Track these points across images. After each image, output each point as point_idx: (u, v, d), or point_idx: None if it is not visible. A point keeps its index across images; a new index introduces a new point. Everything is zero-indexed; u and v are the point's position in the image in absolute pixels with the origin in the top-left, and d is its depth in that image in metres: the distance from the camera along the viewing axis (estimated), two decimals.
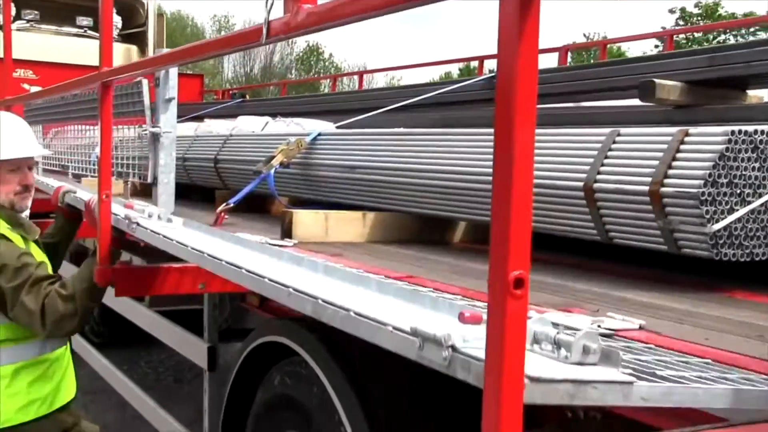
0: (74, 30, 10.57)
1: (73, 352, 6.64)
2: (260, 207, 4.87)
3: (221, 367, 4.32)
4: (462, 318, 1.53)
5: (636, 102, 3.69)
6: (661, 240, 2.62)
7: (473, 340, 1.46)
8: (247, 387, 3.86)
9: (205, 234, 3.36)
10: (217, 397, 4.18)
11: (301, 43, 53.46)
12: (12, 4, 8.43)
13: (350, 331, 1.86)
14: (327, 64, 51.88)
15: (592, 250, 3.29)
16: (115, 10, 4.15)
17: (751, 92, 3.73)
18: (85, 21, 10.52)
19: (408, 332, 1.58)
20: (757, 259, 2.58)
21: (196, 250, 2.92)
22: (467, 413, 2.90)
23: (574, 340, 1.44)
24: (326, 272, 2.49)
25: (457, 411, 2.93)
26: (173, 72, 4.41)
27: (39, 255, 3.61)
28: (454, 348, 1.45)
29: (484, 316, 1.55)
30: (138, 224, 3.42)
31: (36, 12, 10.45)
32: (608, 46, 6.45)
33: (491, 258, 1.19)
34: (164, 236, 3.22)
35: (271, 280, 2.33)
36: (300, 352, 3.34)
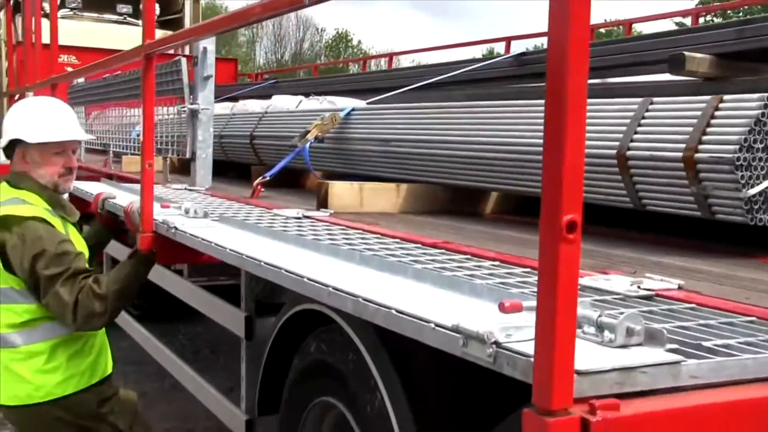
0: (114, 17, 10.59)
1: (114, 324, 6.68)
2: (294, 182, 4.83)
3: (257, 336, 4.28)
4: (502, 308, 1.47)
5: (665, 77, 3.60)
6: (694, 206, 2.54)
7: (516, 332, 1.40)
8: (284, 355, 3.83)
9: (242, 230, 3.31)
10: (254, 365, 4.14)
11: (330, 30, 53.50)
12: None
13: (393, 329, 1.81)
14: (355, 50, 51.74)
15: (622, 222, 3.22)
16: None
17: None
18: (124, 8, 10.55)
19: (450, 329, 1.52)
20: None
21: (236, 252, 2.89)
22: (500, 375, 2.85)
23: (617, 323, 1.37)
24: (362, 261, 2.44)
25: (491, 371, 2.87)
26: (211, 50, 4.37)
27: (77, 239, 3.56)
28: (497, 344, 1.39)
29: (524, 304, 1.49)
30: (176, 228, 3.39)
31: (78, 0, 10.48)
32: (633, 26, 6.35)
33: (543, 202, 1.12)
34: (203, 239, 3.19)
35: (310, 279, 2.28)
36: (336, 319, 3.29)
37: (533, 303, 1.45)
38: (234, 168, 5.71)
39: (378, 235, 2.90)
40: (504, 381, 2.72)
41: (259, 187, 3.97)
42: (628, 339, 1.35)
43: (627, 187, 2.72)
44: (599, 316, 1.39)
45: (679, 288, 1.93)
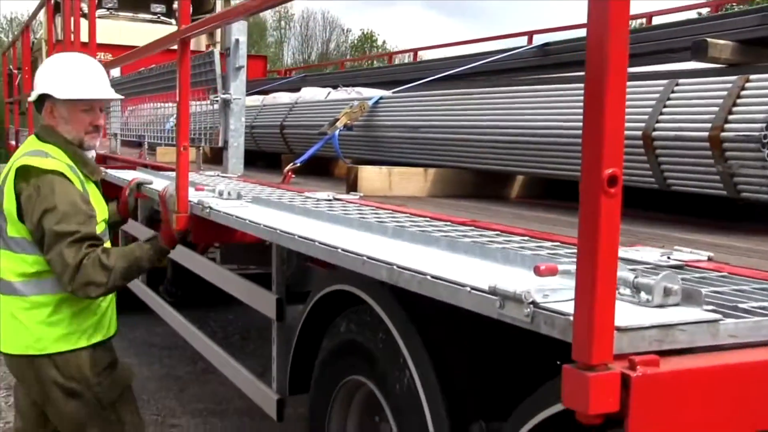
0: (149, 16, 10.64)
1: (149, 310, 6.69)
2: (324, 170, 4.80)
3: (288, 319, 4.26)
4: (538, 271, 1.44)
5: (687, 66, 3.54)
6: (720, 185, 2.49)
7: (552, 293, 1.37)
8: (314, 336, 3.81)
9: (275, 210, 3.28)
10: (284, 346, 4.12)
11: (356, 31, 53.52)
12: None
13: (428, 294, 1.77)
14: (380, 50, 51.71)
15: (645, 204, 3.17)
16: None
17: None
18: (158, 8, 10.60)
19: (487, 291, 1.49)
20: None
21: (269, 228, 2.86)
22: (533, 351, 2.82)
23: (654, 283, 1.33)
24: (394, 235, 2.40)
25: (523, 349, 2.84)
26: (242, 42, 4.35)
27: (97, 198, 3.50)
28: (535, 304, 1.35)
29: (560, 267, 1.45)
30: (211, 208, 3.37)
31: (115, 0, 10.54)
32: (653, 18, 6.26)
33: (584, 157, 1.08)
34: (237, 217, 3.17)
35: (344, 250, 2.25)
36: (365, 299, 3.27)
37: (568, 267, 1.42)
38: (264, 158, 5.70)
39: (408, 215, 2.86)
40: (533, 357, 2.70)
41: (289, 173, 3.94)
42: (666, 299, 1.31)
43: (652, 167, 2.66)
44: (636, 277, 1.35)
45: (709, 259, 1.89)
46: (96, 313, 3.43)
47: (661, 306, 1.31)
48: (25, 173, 3.21)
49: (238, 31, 4.34)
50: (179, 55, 3.31)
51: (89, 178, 3.47)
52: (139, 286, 7.12)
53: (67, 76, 3.38)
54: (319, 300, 3.66)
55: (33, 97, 3.44)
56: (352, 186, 3.49)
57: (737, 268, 1.78)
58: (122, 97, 4.25)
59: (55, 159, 3.29)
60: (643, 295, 1.32)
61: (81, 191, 3.32)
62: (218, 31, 10.27)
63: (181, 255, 5.96)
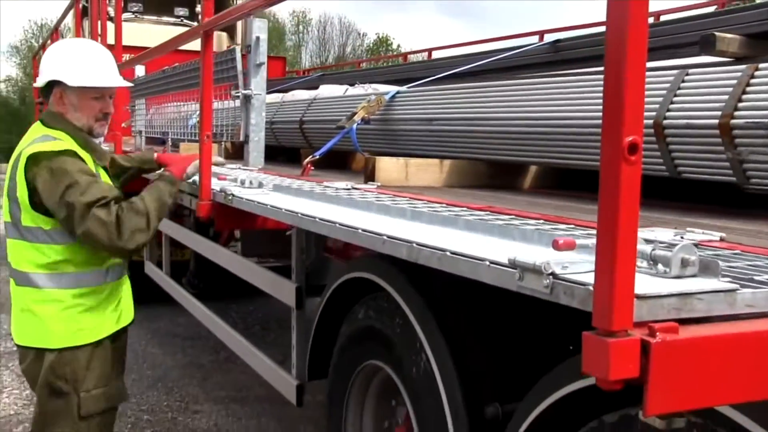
0: (172, 19, 10.66)
1: (173, 301, 6.70)
2: (342, 163, 4.79)
3: (307, 306, 4.26)
4: (556, 245, 1.42)
5: (695, 60, 3.50)
6: (729, 171, 2.46)
7: (571, 266, 1.35)
8: (332, 323, 3.80)
9: (295, 196, 3.28)
10: (304, 333, 4.12)
11: (371, 35, 53.69)
12: None
13: (449, 270, 1.75)
14: (395, 53, 51.79)
15: (655, 192, 3.14)
16: None
17: None
18: (181, 11, 10.64)
19: (506, 265, 1.47)
20: None
21: (291, 212, 2.85)
22: (546, 335, 2.80)
23: (671, 255, 1.31)
24: (413, 217, 2.38)
25: (536, 332, 2.83)
26: (263, 39, 4.34)
27: (107, 180, 3.44)
28: (554, 275, 1.33)
29: (578, 242, 1.43)
30: (234, 195, 3.37)
31: (140, 4, 10.60)
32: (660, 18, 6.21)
33: (604, 126, 1.06)
34: (259, 202, 3.16)
35: (364, 230, 2.23)
36: (383, 285, 3.25)
37: (586, 242, 1.40)
38: (284, 153, 5.69)
39: (425, 201, 2.85)
40: (546, 341, 2.68)
41: (309, 165, 3.93)
42: (683, 270, 1.29)
43: (663, 155, 2.64)
44: (653, 249, 1.32)
45: (721, 239, 1.86)
46: (107, 309, 3.39)
47: (678, 277, 1.29)
48: (35, 160, 3.11)
49: (259, 29, 4.33)
50: (202, 47, 3.32)
51: (98, 163, 3.40)
52: (162, 278, 7.14)
53: (79, 63, 3.27)
54: (338, 288, 3.65)
55: (41, 82, 3.33)
56: (369, 176, 3.47)
57: (750, 247, 1.76)
58: (131, 84, 4.07)
59: (63, 141, 3.21)
60: (661, 267, 1.30)
61: (92, 170, 3.25)
62: (239, 33, 10.30)
63: (205, 247, 5.97)
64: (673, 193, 3.12)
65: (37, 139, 3.23)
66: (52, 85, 3.30)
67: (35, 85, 3.43)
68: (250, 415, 5.95)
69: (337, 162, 4.65)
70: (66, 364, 3.23)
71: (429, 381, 2.92)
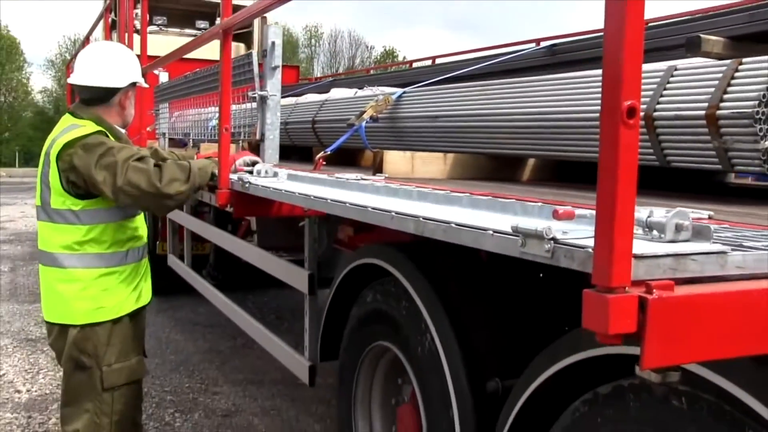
0: (194, 31, 10.68)
1: (194, 292, 6.70)
2: (351, 160, 4.77)
3: (318, 295, 4.25)
4: (556, 215, 1.41)
5: (681, 62, 3.48)
6: (715, 160, 2.44)
7: (571, 232, 1.34)
8: (342, 307, 3.80)
9: (309, 184, 3.27)
10: (316, 318, 4.12)
11: (379, 48, 53.86)
12: (147, 13, 8.68)
13: (453, 241, 1.73)
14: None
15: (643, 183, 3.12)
16: None
17: None
18: (203, 24, 10.65)
19: (509, 233, 1.45)
20: None
21: (303, 194, 2.84)
22: (544, 316, 2.79)
23: (666, 220, 1.30)
24: (420, 197, 2.37)
25: (535, 313, 2.82)
26: (278, 44, 4.33)
27: None
28: (555, 240, 1.32)
29: (577, 212, 1.42)
30: (250, 183, 3.37)
31: (164, 17, 10.64)
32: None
33: (604, 91, 1.04)
34: (274, 188, 3.16)
35: (374, 208, 2.22)
36: (391, 271, 3.25)
37: (585, 212, 1.38)
38: (297, 152, 5.67)
39: (430, 188, 2.83)
40: (545, 322, 2.66)
41: (320, 160, 3.91)
42: (677, 235, 1.27)
43: (653, 145, 2.61)
44: (648, 216, 1.31)
45: (710, 217, 1.84)
46: (126, 290, 3.43)
47: (672, 241, 1.27)
48: (68, 146, 3.20)
49: (274, 34, 4.32)
50: (221, 46, 3.31)
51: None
52: (185, 270, 7.14)
53: (135, 62, 3.48)
54: (348, 273, 3.64)
55: (123, 83, 3.44)
56: (377, 169, 3.45)
57: (737, 223, 1.74)
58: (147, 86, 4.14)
59: (91, 125, 3.32)
60: (656, 233, 1.29)
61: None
62: (256, 41, 10.31)
63: (224, 240, 5.97)
64: (663, 186, 3.10)
65: (66, 128, 3.32)
66: (116, 89, 3.43)
67: (114, 85, 3.44)
68: (265, 396, 5.95)
69: (347, 158, 4.63)
70: (88, 340, 3.29)
71: (434, 359, 2.91)
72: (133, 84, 3.49)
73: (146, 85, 3.44)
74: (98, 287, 3.31)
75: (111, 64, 3.42)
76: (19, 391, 5.95)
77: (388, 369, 3.61)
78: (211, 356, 7.07)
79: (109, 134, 3.35)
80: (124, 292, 3.41)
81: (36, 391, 5.95)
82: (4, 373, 6.44)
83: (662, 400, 1.78)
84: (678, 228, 1.27)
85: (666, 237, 1.27)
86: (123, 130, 3.59)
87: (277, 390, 6.06)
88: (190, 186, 3.27)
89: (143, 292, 3.58)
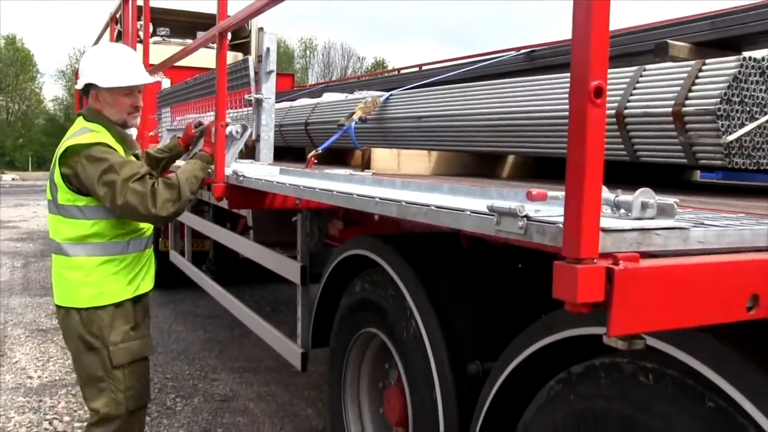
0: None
1: (195, 286, 6.67)
2: (341, 159, 4.75)
3: (311, 287, 4.24)
4: (530, 196, 1.40)
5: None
6: (681, 154, 2.44)
7: (544, 210, 1.33)
8: (333, 296, 3.79)
9: (299, 177, 3.26)
10: (308, 307, 4.11)
11: (369, 59, 53.96)
12: (150, 24, 8.63)
13: (433, 222, 1.71)
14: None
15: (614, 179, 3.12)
16: None
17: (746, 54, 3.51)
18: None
19: (485, 212, 1.44)
20: (762, 168, 2.39)
21: (294, 185, 2.83)
22: (520, 303, 2.79)
23: (632, 199, 1.29)
24: (403, 186, 2.35)
25: (512, 300, 2.82)
26: (273, 50, 4.31)
27: None
28: (528, 217, 1.31)
29: (550, 194, 1.41)
30: (244, 176, 3.36)
31: (167, 29, 10.60)
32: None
33: (573, 71, 1.03)
34: (266, 180, 3.15)
35: (359, 195, 2.21)
36: (378, 261, 3.24)
37: (557, 194, 1.37)
38: (291, 153, 5.66)
39: (416, 182, 2.83)
40: (522, 309, 2.65)
41: (312, 158, 3.89)
42: (643, 212, 1.27)
43: (624, 141, 2.61)
44: (616, 196, 1.30)
45: (676, 204, 1.84)
46: (127, 277, 3.44)
47: (638, 219, 1.26)
48: (74, 151, 3.20)
49: (269, 41, 4.31)
50: (217, 47, 3.30)
51: (128, 152, 3.47)
52: (186, 265, 7.11)
53: (109, 66, 3.35)
54: (338, 264, 3.63)
55: (80, 85, 3.42)
56: (365, 165, 3.44)
57: (700, 208, 1.73)
58: (157, 79, 4.31)
59: (97, 133, 3.29)
60: (623, 211, 1.28)
61: (124, 157, 3.34)
62: (253, 48, 10.28)
63: (223, 236, 5.94)
64: (633, 183, 3.10)
65: (76, 132, 3.32)
66: (89, 87, 3.39)
67: (76, 87, 3.49)
68: (261, 382, 5.93)
69: (338, 158, 4.62)
70: (92, 322, 3.33)
71: (418, 344, 2.90)
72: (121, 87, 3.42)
73: (104, 86, 3.33)
74: (100, 274, 3.33)
75: (81, 66, 3.44)
76: (30, 377, 5.95)
77: (375, 354, 3.60)
78: (210, 345, 7.04)
79: (115, 140, 3.37)
80: (125, 279, 3.42)
81: (46, 377, 5.94)
82: (17, 360, 6.44)
83: (631, 376, 1.78)
84: (644, 206, 1.27)
85: (633, 215, 1.26)
86: (131, 131, 3.61)
87: (272, 377, 6.05)
88: (182, 202, 3.30)
89: (145, 280, 3.58)
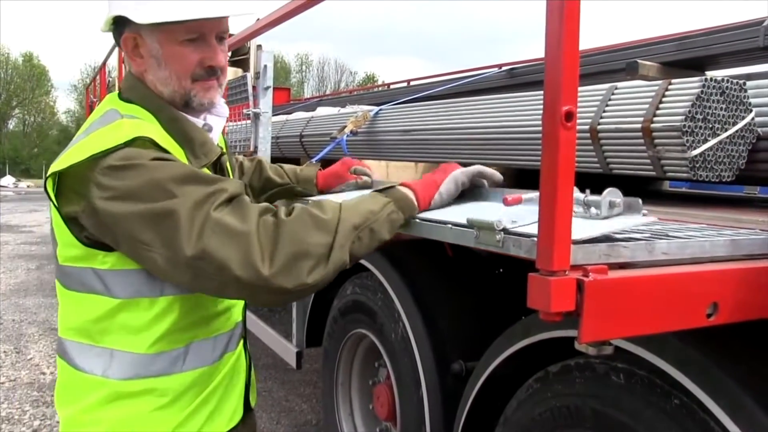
0: None
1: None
2: None
3: None
4: (506, 201, 1.42)
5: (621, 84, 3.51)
6: (650, 167, 2.45)
7: (519, 219, 1.34)
8: (326, 298, 3.79)
9: None
10: (302, 308, 4.11)
11: (361, 73, 54.24)
12: None
13: (417, 234, 1.72)
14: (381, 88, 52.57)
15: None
16: None
17: (710, 73, 3.53)
18: None
19: (465, 225, 1.45)
20: (723, 180, 2.41)
21: None
22: (502, 307, 2.79)
23: (601, 198, 1.31)
24: None
25: (494, 304, 2.82)
26: (270, 67, 4.32)
27: None
28: (505, 230, 1.32)
29: (524, 196, 1.42)
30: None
31: None
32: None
33: (545, 97, 1.04)
34: None
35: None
36: (368, 266, 3.24)
37: (531, 195, 1.39)
38: (287, 163, 5.66)
39: None
40: (502, 313, 2.66)
41: None
42: (611, 211, 1.30)
43: (598, 155, 2.62)
44: (586, 196, 1.33)
45: (643, 215, 1.86)
46: (187, 410, 1.67)
47: (607, 217, 1.29)
48: (75, 173, 1.46)
49: (266, 59, 4.31)
50: None
51: (198, 161, 1.68)
52: None
53: None
54: None
55: (104, 25, 1.71)
56: None
57: (666, 219, 1.75)
58: (252, 11, 1.72)
59: (134, 123, 1.54)
60: (593, 210, 1.30)
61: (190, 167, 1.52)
62: (251, 66, 10.28)
63: None
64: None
65: (94, 123, 1.58)
66: (122, 28, 1.65)
67: (101, 29, 1.73)
68: (258, 379, 5.91)
69: None
70: None
71: (405, 345, 2.91)
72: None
73: (144, 21, 1.54)
74: (132, 407, 1.57)
75: None
76: (44, 373, 5.95)
77: (365, 354, 3.61)
78: None
79: (170, 134, 1.63)
80: (183, 414, 1.64)
81: None
82: (32, 357, 6.44)
83: (603, 376, 1.79)
84: (611, 205, 1.30)
85: (602, 213, 1.29)
86: (209, 119, 1.75)
87: (269, 374, 6.03)
88: (335, 262, 1.51)
89: (234, 410, 1.81)
